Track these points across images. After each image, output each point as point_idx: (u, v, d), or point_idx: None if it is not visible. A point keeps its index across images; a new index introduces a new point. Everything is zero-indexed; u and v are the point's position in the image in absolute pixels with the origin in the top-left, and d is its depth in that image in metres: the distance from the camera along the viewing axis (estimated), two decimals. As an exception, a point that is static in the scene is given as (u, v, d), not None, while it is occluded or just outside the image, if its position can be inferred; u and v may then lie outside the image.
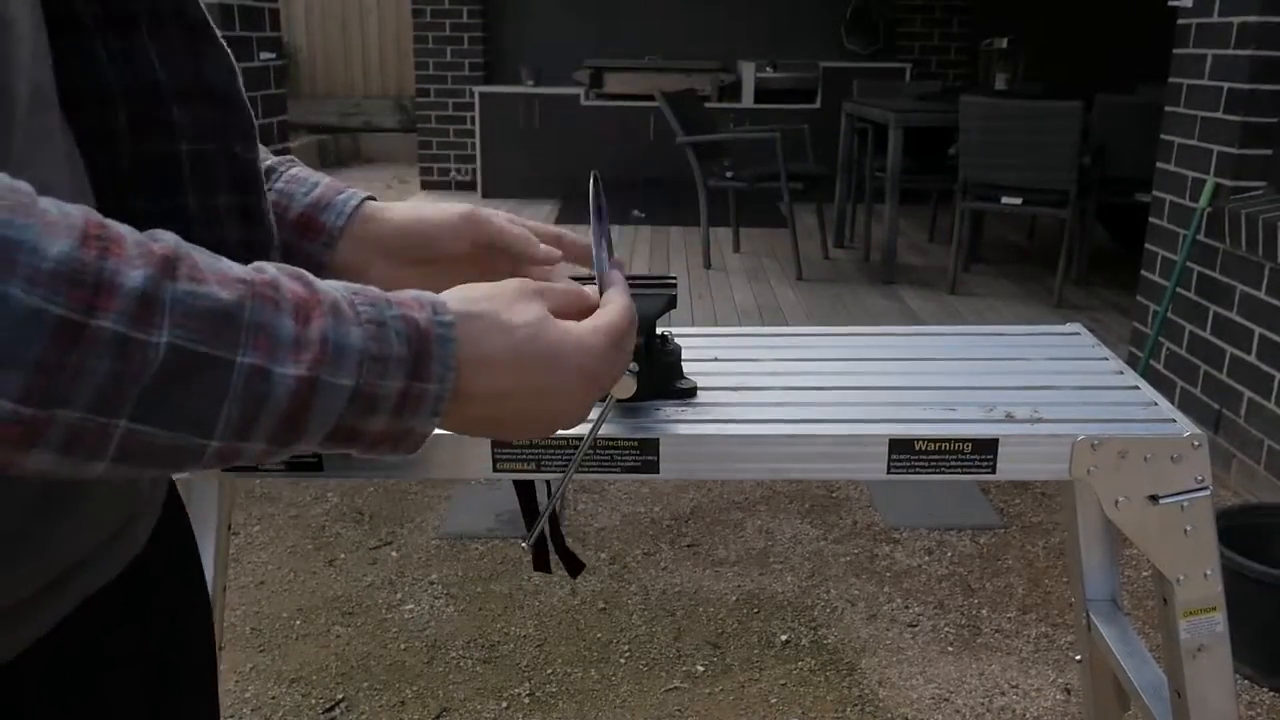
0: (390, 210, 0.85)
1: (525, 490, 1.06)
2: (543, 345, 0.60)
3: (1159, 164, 3.60)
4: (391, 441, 0.56)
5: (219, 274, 0.48)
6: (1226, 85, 3.19)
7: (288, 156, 0.89)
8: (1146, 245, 3.70)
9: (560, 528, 1.07)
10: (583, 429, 0.96)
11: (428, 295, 0.57)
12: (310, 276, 0.53)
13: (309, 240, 0.82)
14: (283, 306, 0.50)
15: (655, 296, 1.02)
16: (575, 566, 1.07)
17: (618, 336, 0.66)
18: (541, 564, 1.05)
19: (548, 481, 1.02)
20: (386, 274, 0.83)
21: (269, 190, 0.80)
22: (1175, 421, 0.98)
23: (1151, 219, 3.67)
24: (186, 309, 0.46)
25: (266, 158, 0.84)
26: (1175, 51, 3.46)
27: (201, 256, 0.48)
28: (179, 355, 0.45)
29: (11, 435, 0.42)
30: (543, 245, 0.86)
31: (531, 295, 0.62)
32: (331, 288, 0.53)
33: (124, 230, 0.46)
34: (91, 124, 0.60)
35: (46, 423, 0.42)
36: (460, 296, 0.59)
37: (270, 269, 0.51)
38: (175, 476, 0.62)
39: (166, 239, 0.47)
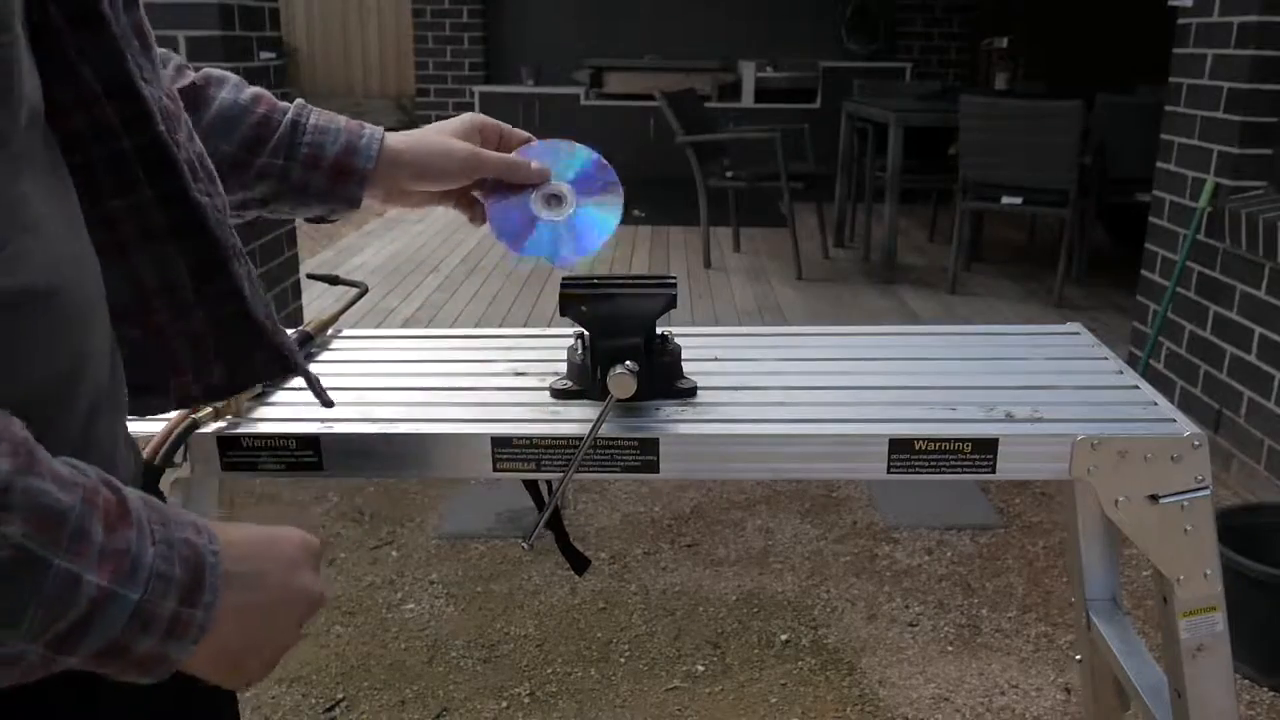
0: (407, 149, 0.97)
1: (535, 489, 1.06)
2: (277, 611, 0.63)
3: (1159, 164, 3.60)
4: (147, 666, 0.56)
5: (55, 474, 0.50)
6: (1226, 85, 3.18)
7: (298, 102, 0.97)
8: (1146, 245, 3.70)
9: (564, 527, 1.07)
10: (582, 429, 0.97)
11: (204, 525, 0.59)
12: (118, 484, 0.54)
13: (344, 184, 0.95)
14: (97, 514, 0.51)
15: (655, 296, 1.02)
16: (581, 564, 1.07)
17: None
18: (579, 564, 1.06)
19: (548, 482, 1.02)
20: (405, 194, 1.00)
21: (300, 145, 0.93)
22: (1175, 421, 0.98)
23: (1151, 219, 3.67)
24: (34, 505, 0.48)
25: (286, 110, 0.95)
26: (1175, 51, 3.46)
27: (41, 450, 0.50)
28: (19, 550, 0.48)
29: None
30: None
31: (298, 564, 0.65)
32: (134, 499, 0.55)
33: None
34: (77, 125, 0.61)
35: None
36: (231, 544, 0.60)
37: (91, 473, 0.53)
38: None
39: (17, 429, 0.49)
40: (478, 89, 7.82)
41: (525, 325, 4.69)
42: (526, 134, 1.05)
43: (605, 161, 1.04)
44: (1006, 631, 2.47)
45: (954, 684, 2.27)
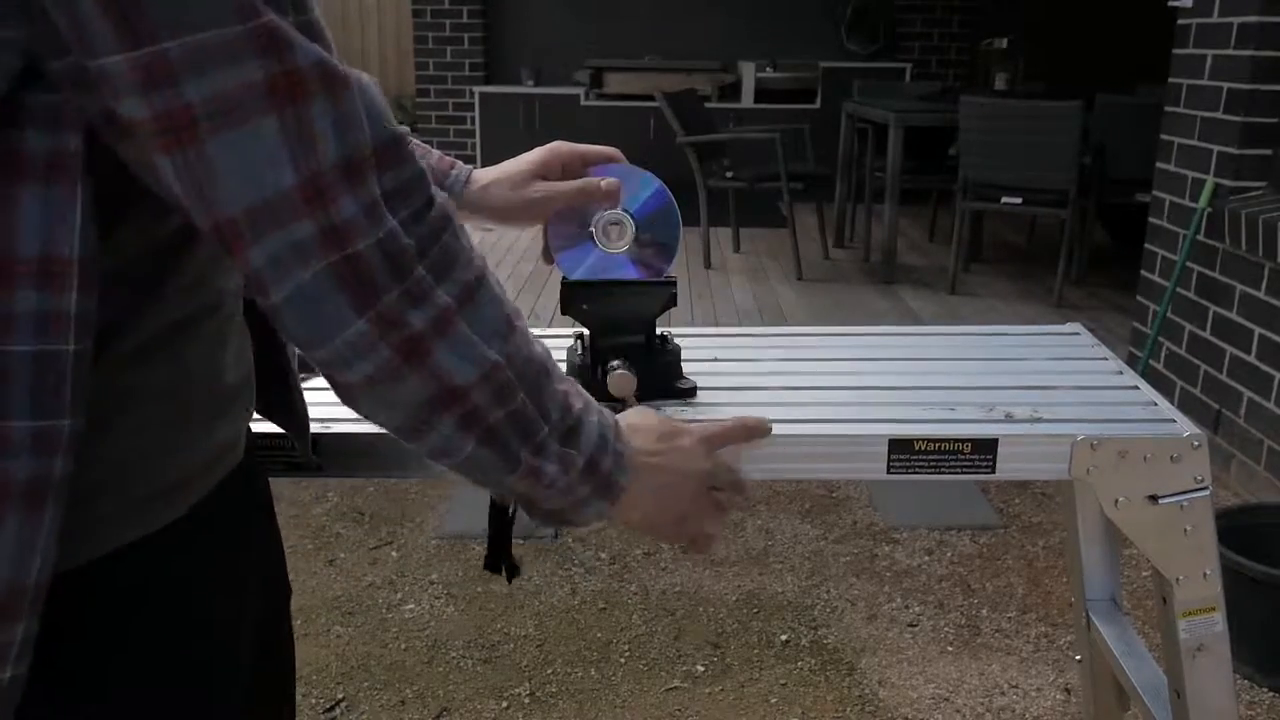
0: (489, 193, 1.06)
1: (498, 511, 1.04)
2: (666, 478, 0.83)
3: (1159, 164, 3.60)
4: (606, 488, 0.76)
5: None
6: (1226, 85, 3.18)
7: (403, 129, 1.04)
8: (1146, 245, 3.70)
9: (510, 532, 1.05)
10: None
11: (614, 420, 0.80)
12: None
13: None
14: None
15: (655, 295, 1.02)
16: (512, 572, 1.06)
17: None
18: (509, 571, 1.06)
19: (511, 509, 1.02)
20: (488, 227, 1.09)
21: None
22: (1175, 421, 0.98)
23: (1151, 219, 3.67)
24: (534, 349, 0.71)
25: None
26: (1175, 51, 3.46)
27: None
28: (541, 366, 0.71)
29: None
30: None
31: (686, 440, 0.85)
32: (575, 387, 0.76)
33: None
34: None
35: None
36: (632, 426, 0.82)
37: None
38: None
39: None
40: (478, 89, 7.82)
41: (525, 325, 4.68)
42: (609, 151, 1.07)
43: (672, 199, 1.05)
44: (1006, 632, 2.47)
45: (954, 684, 2.27)
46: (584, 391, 0.76)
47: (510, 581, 1.04)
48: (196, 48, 0.54)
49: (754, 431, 0.92)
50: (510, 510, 0.98)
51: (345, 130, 0.59)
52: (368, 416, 0.67)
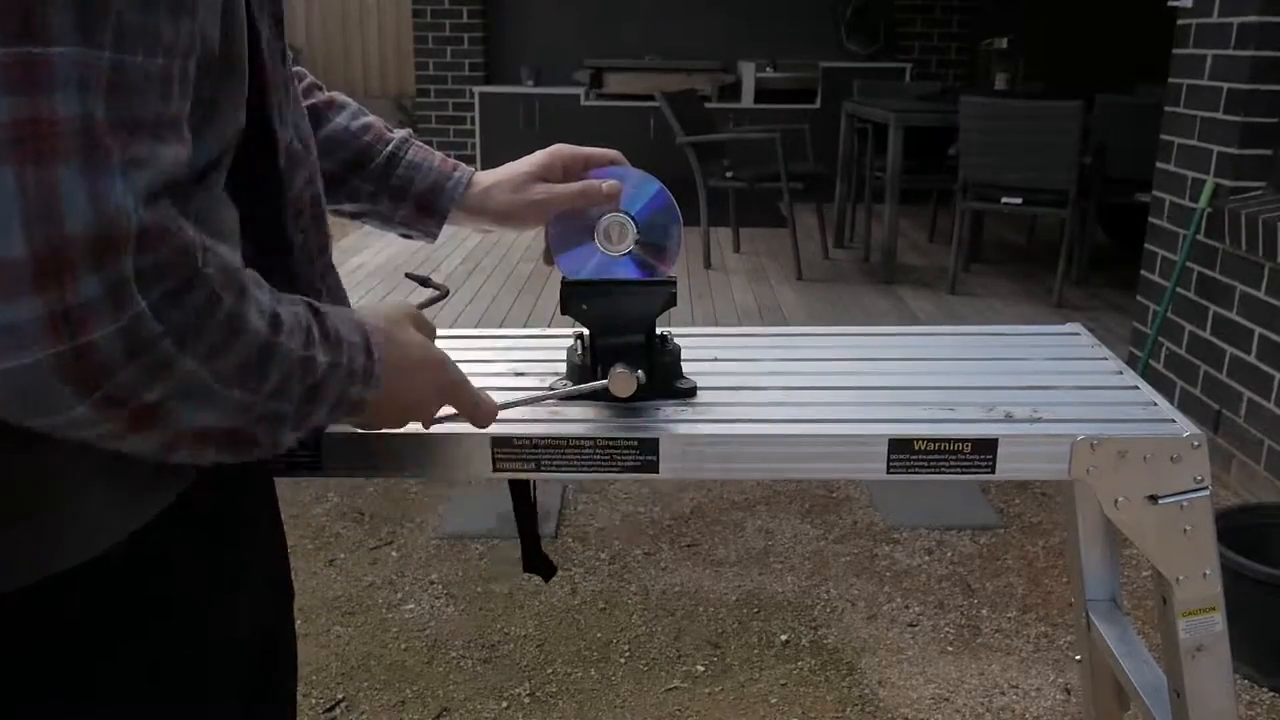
0: (489, 197, 1.06)
1: (520, 492, 1.06)
2: (419, 356, 0.82)
3: (1159, 164, 3.60)
4: (358, 407, 0.74)
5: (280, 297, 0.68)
6: (1226, 85, 3.18)
7: (403, 135, 1.08)
8: (1146, 245, 3.70)
9: (537, 532, 1.07)
10: (582, 429, 0.97)
11: (355, 310, 0.78)
12: (317, 305, 0.71)
13: (424, 219, 1.06)
14: (314, 323, 0.70)
15: (655, 295, 1.02)
16: (548, 571, 1.08)
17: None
18: (533, 566, 1.07)
19: (530, 483, 1.03)
20: (489, 230, 1.10)
21: (392, 176, 1.04)
22: (1175, 421, 0.98)
23: (1151, 219, 3.67)
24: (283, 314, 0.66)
25: (390, 141, 1.05)
26: (1175, 51, 3.46)
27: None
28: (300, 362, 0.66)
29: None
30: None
31: (411, 320, 0.84)
32: (327, 306, 0.72)
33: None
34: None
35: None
36: (373, 313, 0.80)
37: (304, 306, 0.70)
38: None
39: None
40: (478, 89, 7.82)
41: (525, 325, 4.69)
42: (611, 153, 1.07)
43: (672, 200, 1.05)
44: (1006, 632, 2.47)
45: (954, 684, 2.27)
46: (333, 317, 0.71)
47: (547, 580, 1.05)
48: None
49: (481, 413, 0.90)
50: (534, 509, 0.99)
51: (98, 204, 0.51)
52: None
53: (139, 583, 0.70)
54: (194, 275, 0.56)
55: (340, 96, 1.07)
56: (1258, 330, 3.05)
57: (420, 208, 1.06)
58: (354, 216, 1.07)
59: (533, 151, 1.07)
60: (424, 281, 1.12)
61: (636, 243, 1.03)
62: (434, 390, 0.85)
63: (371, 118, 1.08)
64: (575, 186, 1.03)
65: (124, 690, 0.70)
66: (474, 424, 0.90)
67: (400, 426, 0.85)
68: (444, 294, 1.10)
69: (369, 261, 5.85)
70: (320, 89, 1.06)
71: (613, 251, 1.03)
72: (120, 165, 0.52)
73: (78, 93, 0.50)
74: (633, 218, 1.03)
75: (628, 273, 1.03)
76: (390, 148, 1.05)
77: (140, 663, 0.70)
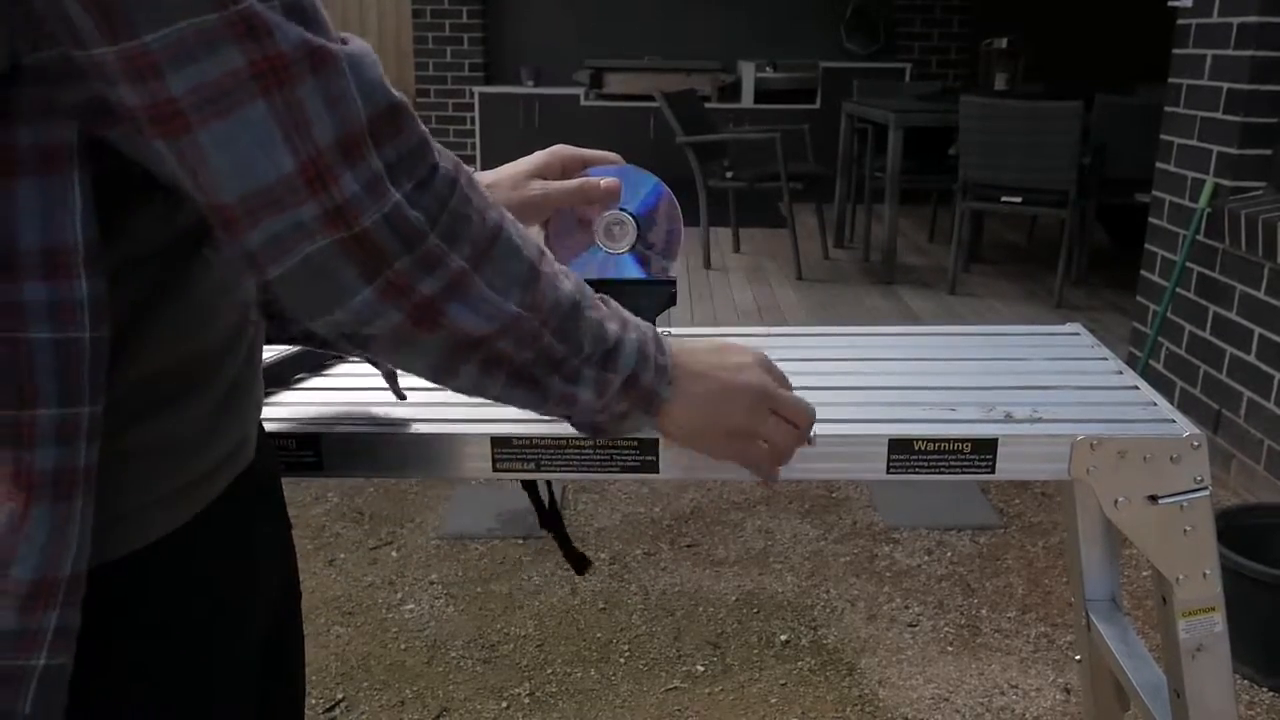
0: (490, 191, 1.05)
1: (534, 490, 1.06)
2: (720, 362, 0.84)
3: (1159, 164, 3.60)
4: (648, 401, 0.79)
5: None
6: (1226, 85, 3.18)
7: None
8: (1146, 245, 3.70)
9: (564, 527, 1.08)
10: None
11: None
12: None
13: None
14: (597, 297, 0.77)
15: (654, 294, 1.02)
16: (582, 564, 1.08)
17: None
18: (579, 564, 1.09)
19: (548, 481, 1.02)
20: None
21: None
22: (1174, 421, 0.98)
23: (1151, 219, 3.67)
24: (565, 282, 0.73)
25: None
26: (1175, 51, 3.46)
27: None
28: (574, 303, 0.72)
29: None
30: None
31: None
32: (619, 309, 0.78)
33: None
34: None
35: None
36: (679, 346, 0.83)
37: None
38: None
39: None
40: (478, 90, 7.82)
41: (525, 325, 4.68)
42: (610, 155, 1.07)
43: (674, 198, 1.04)
44: (1006, 632, 2.47)
45: (954, 684, 2.27)
46: (623, 311, 0.78)
47: (582, 573, 1.06)
48: (176, 39, 0.54)
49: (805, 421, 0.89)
50: (555, 505, 1.00)
51: (337, 108, 0.58)
52: (385, 361, 0.69)
53: (159, 584, 0.70)
54: (434, 163, 0.63)
55: None
56: (1258, 330, 3.05)
57: None
58: None
59: (532, 152, 1.07)
60: None
61: (638, 240, 1.03)
62: (747, 401, 0.84)
63: None
64: (573, 183, 1.03)
65: (139, 691, 0.70)
66: (798, 426, 0.87)
67: (721, 451, 0.86)
68: None
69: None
70: None
71: (614, 250, 1.03)
72: (342, 63, 0.59)
73: (284, 25, 0.57)
74: (632, 215, 1.03)
75: (630, 271, 1.03)
76: None
77: (156, 664, 0.70)
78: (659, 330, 0.82)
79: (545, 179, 1.05)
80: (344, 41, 0.61)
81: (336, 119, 0.58)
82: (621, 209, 1.03)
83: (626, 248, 1.03)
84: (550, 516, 1.05)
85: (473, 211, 0.65)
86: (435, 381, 0.70)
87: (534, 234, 0.74)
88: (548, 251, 0.71)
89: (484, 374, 0.69)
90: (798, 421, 0.86)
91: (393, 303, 0.62)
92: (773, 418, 0.85)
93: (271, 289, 0.62)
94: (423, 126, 0.63)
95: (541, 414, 0.78)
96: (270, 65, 0.56)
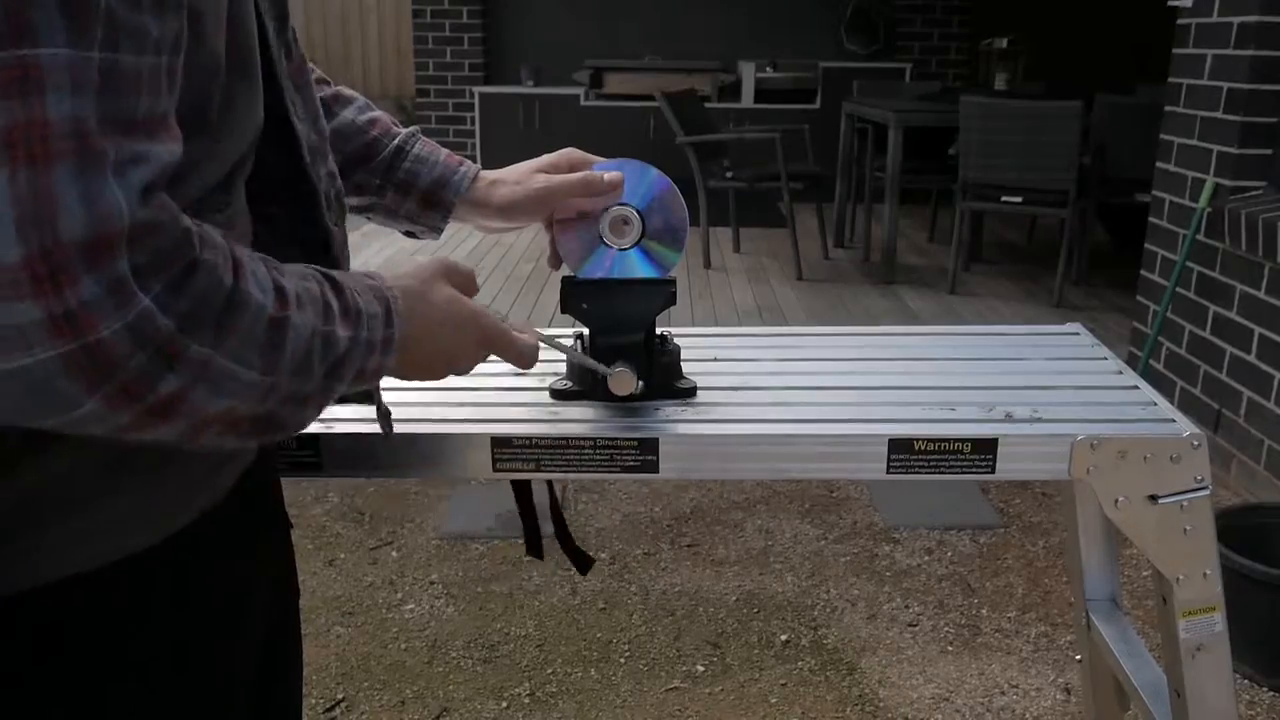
0: (493, 191, 1.06)
1: (523, 492, 1.06)
2: (450, 313, 0.82)
3: (1159, 164, 3.60)
4: (376, 375, 0.74)
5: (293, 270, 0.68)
6: (1226, 85, 3.18)
7: (413, 129, 1.08)
8: (1146, 245, 3.70)
9: (567, 526, 1.08)
10: (582, 429, 0.97)
11: (377, 275, 0.76)
12: (335, 275, 0.71)
13: (430, 213, 1.06)
14: (333, 297, 0.69)
15: (655, 294, 1.02)
16: (584, 563, 1.08)
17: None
18: (582, 564, 1.08)
19: (549, 481, 1.03)
20: (493, 226, 1.09)
21: (398, 170, 1.05)
22: (1175, 421, 0.98)
23: (1151, 219, 3.67)
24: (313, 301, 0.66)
25: (396, 135, 1.06)
26: (1175, 51, 3.46)
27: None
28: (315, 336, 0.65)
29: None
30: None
31: (443, 275, 0.83)
32: (334, 272, 0.71)
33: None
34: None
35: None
36: (396, 276, 0.79)
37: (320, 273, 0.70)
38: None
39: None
40: (478, 90, 7.82)
41: (525, 325, 4.68)
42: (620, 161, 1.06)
43: (676, 189, 1.04)
44: (1006, 631, 2.47)
45: (954, 684, 2.27)
46: (358, 295, 0.71)
47: (584, 573, 1.06)
48: None
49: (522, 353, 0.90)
50: (558, 503, 1.00)
51: (92, 206, 0.50)
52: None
53: (158, 584, 0.70)
54: (194, 261, 0.55)
55: (347, 91, 1.07)
56: (1258, 330, 3.05)
57: (425, 201, 1.05)
58: (359, 210, 1.07)
59: (532, 150, 1.07)
60: None
61: (643, 233, 1.02)
62: (471, 344, 0.85)
63: (378, 112, 1.08)
64: (576, 176, 1.03)
65: (138, 691, 0.70)
66: (519, 368, 0.90)
67: (440, 378, 0.85)
68: None
69: (371, 260, 5.85)
70: (328, 83, 1.05)
71: (621, 245, 1.03)
72: (114, 165, 0.52)
73: (70, 95, 0.50)
74: (636, 209, 1.03)
75: (638, 267, 1.03)
76: (397, 142, 1.05)
77: (156, 665, 0.70)
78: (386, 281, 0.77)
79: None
80: (146, 131, 0.54)
81: (90, 217, 0.50)
82: (625, 204, 1.03)
83: (632, 243, 1.03)
84: (554, 515, 1.06)
85: (221, 290, 0.57)
86: (176, 445, 0.63)
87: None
88: (288, 284, 0.63)
89: (226, 434, 0.62)
90: (518, 363, 0.89)
91: (124, 408, 0.55)
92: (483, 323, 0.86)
93: None
94: (186, 221, 0.56)
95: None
96: (26, 134, 0.49)
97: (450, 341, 0.83)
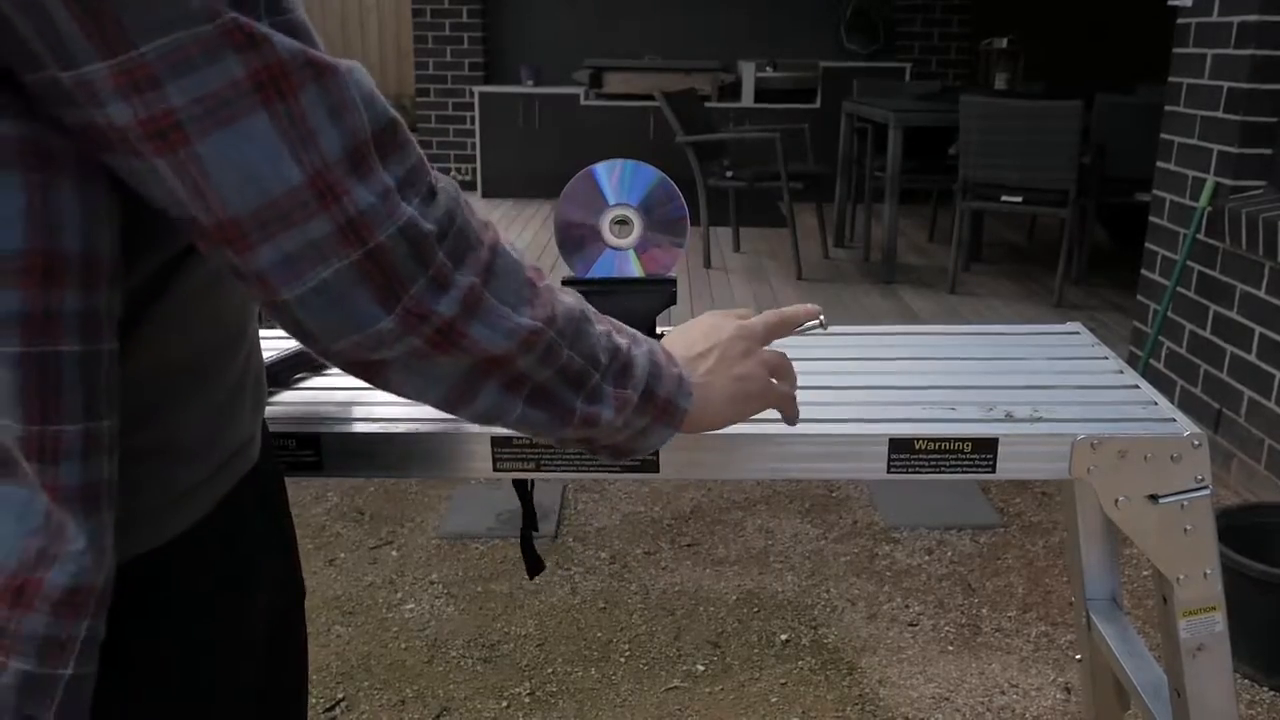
0: None
1: (525, 490, 1.06)
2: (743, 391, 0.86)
3: (1159, 163, 3.60)
4: (669, 413, 0.78)
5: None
6: (1226, 85, 3.18)
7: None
8: (1146, 244, 3.70)
9: (533, 528, 1.07)
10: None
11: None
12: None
13: None
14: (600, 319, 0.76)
15: (655, 294, 1.02)
16: (535, 567, 1.08)
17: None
18: (533, 567, 1.08)
19: (530, 482, 1.03)
20: None
21: None
22: (1175, 421, 0.98)
23: (1151, 218, 3.67)
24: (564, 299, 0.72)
25: None
26: (1175, 51, 3.46)
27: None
28: (583, 314, 0.72)
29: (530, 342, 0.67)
30: None
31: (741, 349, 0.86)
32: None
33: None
34: None
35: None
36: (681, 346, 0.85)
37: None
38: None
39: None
40: (477, 89, 7.82)
41: (525, 325, 4.68)
42: (810, 308, 0.96)
43: (673, 185, 1.04)
44: (1007, 631, 2.47)
45: (954, 684, 2.27)
46: (624, 326, 0.78)
47: (532, 577, 1.06)
48: (173, 49, 0.53)
49: (793, 319, 0.92)
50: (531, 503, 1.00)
51: (342, 119, 0.57)
52: (397, 392, 0.66)
53: (162, 587, 0.70)
54: (432, 180, 0.62)
55: None
56: (1258, 330, 3.05)
57: None
58: None
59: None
60: None
61: (644, 231, 1.03)
62: (759, 371, 0.86)
63: None
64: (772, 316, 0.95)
65: (143, 694, 0.70)
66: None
67: (748, 409, 0.87)
68: None
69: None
70: None
71: (623, 246, 1.03)
72: (342, 74, 0.57)
73: (279, 35, 0.55)
74: (635, 208, 1.03)
75: (636, 265, 1.03)
76: None
77: (159, 667, 0.70)
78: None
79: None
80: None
81: (342, 130, 0.57)
82: (622, 203, 1.03)
83: (632, 242, 1.03)
84: (526, 516, 1.06)
85: (472, 228, 0.64)
86: (450, 410, 0.69)
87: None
88: (540, 268, 0.70)
89: (504, 395, 0.68)
90: (784, 373, 0.89)
91: (414, 330, 0.61)
92: (766, 375, 0.87)
93: (285, 311, 0.60)
94: (419, 147, 0.62)
95: (558, 440, 0.76)
96: (270, 74, 0.55)
97: (738, 383, 0.84)
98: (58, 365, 0.58)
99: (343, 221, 0.57)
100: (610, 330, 0.74)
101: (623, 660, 2.35)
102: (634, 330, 0.78)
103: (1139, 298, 3.76)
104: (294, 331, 0.61)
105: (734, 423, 0.85)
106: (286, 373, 1.07)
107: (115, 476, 0.62)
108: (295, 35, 0.57)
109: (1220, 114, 3.22)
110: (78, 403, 0.59)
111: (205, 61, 0.54)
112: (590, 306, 0.74)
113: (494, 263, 0.65)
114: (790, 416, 0.91)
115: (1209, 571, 0.99)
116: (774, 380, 0.87)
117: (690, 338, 0.86)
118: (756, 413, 0.87)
